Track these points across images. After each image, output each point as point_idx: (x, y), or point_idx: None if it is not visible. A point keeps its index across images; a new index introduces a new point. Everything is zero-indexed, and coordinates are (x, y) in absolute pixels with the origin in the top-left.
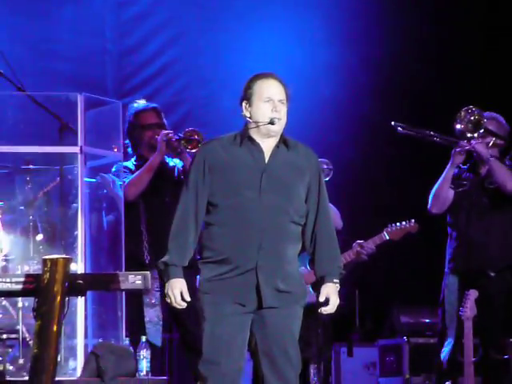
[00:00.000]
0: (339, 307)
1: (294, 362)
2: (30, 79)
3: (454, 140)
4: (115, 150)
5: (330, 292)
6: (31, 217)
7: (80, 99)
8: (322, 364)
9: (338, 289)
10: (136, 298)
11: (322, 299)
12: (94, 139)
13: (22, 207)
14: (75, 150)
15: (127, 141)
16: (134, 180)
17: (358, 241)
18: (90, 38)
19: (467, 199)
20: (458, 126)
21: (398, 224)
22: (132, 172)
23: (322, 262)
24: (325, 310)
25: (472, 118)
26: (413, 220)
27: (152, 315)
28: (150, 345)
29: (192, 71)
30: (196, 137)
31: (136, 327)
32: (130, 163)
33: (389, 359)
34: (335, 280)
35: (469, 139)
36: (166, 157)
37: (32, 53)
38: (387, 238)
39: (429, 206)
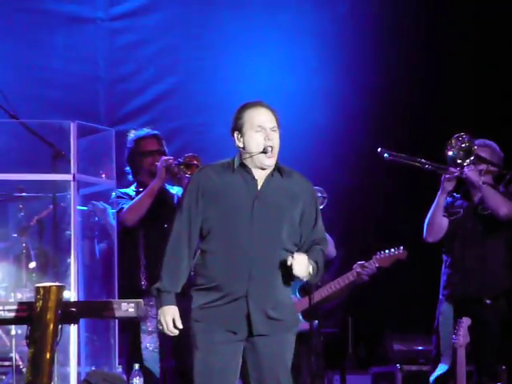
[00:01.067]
0: (332, 334)
1: None
2: (22, 106)
3: (443, 167)
4: (103, 176)
5: (302, 257)
6: (24, 244)
7: (73, 127)
8: None
9: (311, 269)
10: (133, 325)
11: (289, 261)
12: (87, 167)
13: (15, 235)
14: (68, 177)
15: (127, 167)
16: (133, 205)
17: (359, 262)
18: (83, 65)
19: (462, 227)
20: (450, 153)
21: (386, 251)
22: (132, 198)
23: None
24: (291, 262)
25: (463, 145)
26: (401, 247)
27: (149, 342)
28: (147, 372)
29: (185, 99)
30: (195, 162)
31: (132, 354)
32: (130, 190)
33: None
34: (311, 262)
35: (461, 166)
36: (166, 184)
37: (24, 80)
38: (376, 265)
39: (424, 234)
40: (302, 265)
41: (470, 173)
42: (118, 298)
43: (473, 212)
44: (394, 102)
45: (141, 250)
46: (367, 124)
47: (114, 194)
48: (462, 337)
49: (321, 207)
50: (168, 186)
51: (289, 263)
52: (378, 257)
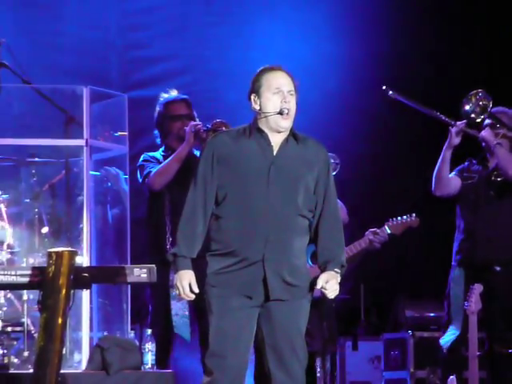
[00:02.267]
0: (344, 301)
1: (300, 357)
2: (34, 72)
3: (449, 120)
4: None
5: (330, 277)
6: (37, 210)
7: (86, 92)
8: (327, 358)
9: (339, 279)
10: (163, 291)
11: (319, 285)
12: (99, 132)
13: (28, 200)
14: (81, 142)
15: (156, 131)
16: (161, 170)
17: (371, 229)
18: (95, 31)
19: (474, 192)
20: (467, 107)
21: (398, 218)
22: (159, 162)
23: (324, 252)
24: (326, 294)
25: (480, 102)
26: (414, 214)
27: (178, 308)
28: (173, 337)
29: (197, 65)
30: (224, 128)
31: (161, 320)
32: (158, 153)
33: (393, 353)
34: (336, 269)
35: (475, 122)
36: (194, 149)
37: (36, 46)
38: (388, 231)
39: (432, 188)
40: (334, 291)
41: (486, 133)
42: (145, 263)
43: (486, 178)
44: (407, 69)
45: (167, 215)
46: (379, 91)
47: (141, 157)
48: (474, 303)
49: (334, 173)
50: (196, 152)
51: (319, 287)
52: (389, 224)
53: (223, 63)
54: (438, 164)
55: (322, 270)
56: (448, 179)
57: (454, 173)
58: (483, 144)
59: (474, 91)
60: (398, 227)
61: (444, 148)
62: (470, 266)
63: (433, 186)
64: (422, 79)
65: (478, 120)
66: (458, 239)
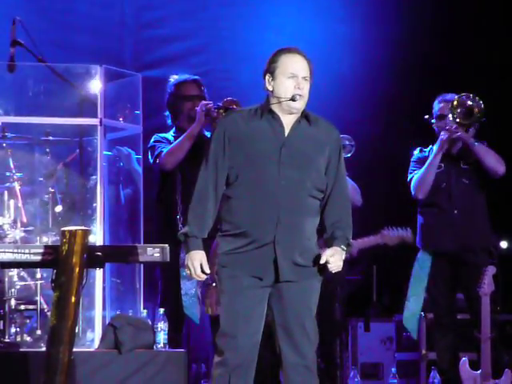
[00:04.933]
0: (357, 282)
1: (311, 337)
2: (48, 50)
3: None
4: (121, 119)
5: (335, 252)
6: (50, 188)
7: (100, 71)
8: (339, 339)
9: (344, 256)
10: (173, 271)
11: (323, 260)
12: (113, 111)
13: (42, 179)
14: (95, 121)
15: (167, 112)
16: (172, 149)
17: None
18: (108, 10)
19: (445, 180)
20: (450, 115)
21: (394, 229)
22: (170, 143)
23: (332, 229)
24: (330, 268)
25: (467, 103)
26: (409, 229)
27: (188, 287)
28: (184, 316)
29: (211, 45)
30: (235, 106)
31: (172, 299)
32: (169, 134)
33: (406, 334)
34: (342, 246)
35: (460, 124)
36: (204, 130)
37: (49, 24)
38: (381, 241)
39: (413, 193)
40: (337, 265)
41: (462, 134)
42: (156, 243)
43: (455, 166)
44: (420, 51)
45: (178, 195)
46: (393, 72)
47: (152, 138)
48: (487, 285)
49: (348, 155)
50: (207, 132)
51: (323, 261)
52: (385, 233)
53: (237, 44)
54: (426, 169)
55: (328, 246)
56: (431, 181)
57: (417, 168)
58: (460, 141)
59: (458, 95)
60: (391, 239)
61: (435, 153)
62: (440, 253)
63: (414, 190)
64: (435, 63)
65: (465, 123)
66: (426, 224)
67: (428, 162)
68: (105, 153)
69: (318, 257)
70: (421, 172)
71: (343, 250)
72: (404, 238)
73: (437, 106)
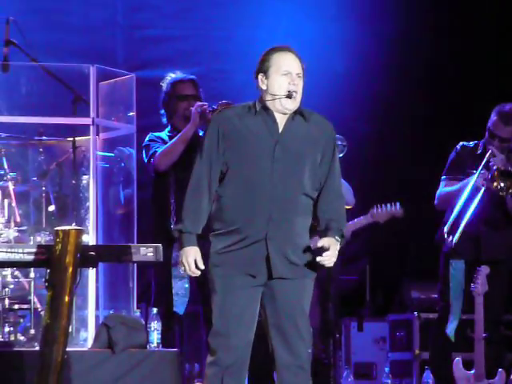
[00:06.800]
0: (350, 281)
1: (304, 336)
2: (41, 50)
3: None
4: (114, 120)
5: (331, 243)
6: (44, 188)
7: (92, 71)
8: (332, 338)
9: (338, 247)
10: (165, 270)
11: (319, 244)
12: (108, 111)
13: (35, 178)
14: (87, 121)
15: (162, 110)
16: (166, 150)
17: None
18: (101, 10)
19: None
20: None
21: (383, 206)
22: (165, 142)
23: (325, 220)
24: (321, 260)
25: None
26: (398, 203)
27: (179, 287)
28: (175, 317)
29: (204, 45)
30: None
31: (164, 299)
32: (164, 133)
33: (399, 334)
34: (337, 237)
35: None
36: (199, 130)
37: (42, 24)
38: (371, 219)
39: (437, 205)
40: (333, 254)
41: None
42: (150, 243)
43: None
44: (414, 49)
45: (172, 196)
46: (386, 71)
47: (147, 137)
48: (481, 285)
49: (341, 155)
50: (201, 133)
51: (320, 244)
52: (374, 211)
53: (230, 44)
54: (456, 190)
55: (322, 237)
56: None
57: (448, 178)
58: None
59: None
60: (381, 215)
61: (468, 182)
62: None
63: (440, 203)
64: (431, 62)
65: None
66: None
67: (462, 186)
68: (106, 154)
69: (312, 253)
70: (451, 192)
71: (337, 240)
72: (394, 214)
73: (491, 117)
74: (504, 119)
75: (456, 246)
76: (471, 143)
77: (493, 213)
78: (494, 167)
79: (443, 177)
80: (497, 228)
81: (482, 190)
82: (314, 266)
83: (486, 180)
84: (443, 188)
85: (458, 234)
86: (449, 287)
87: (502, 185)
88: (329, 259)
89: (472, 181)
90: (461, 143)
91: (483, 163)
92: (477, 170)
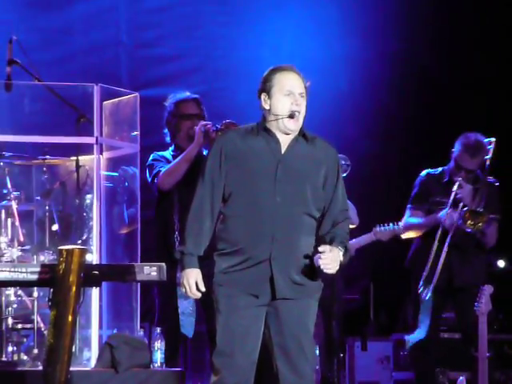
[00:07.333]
0: (354, 301)
1: (308, 356)
2: (45, 70)
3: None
4: (117, 139)
5: (332, 248)
6: (47, 207)
7: (96, 90)
8: (336, 357)
9: (341, 258)
10: (170, 290)
11: (320, 249)
12: (112, 130)
13: (39, 197)
14: (91, 140)
15: (166, 130)
16: (170, 170)
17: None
18: (105, 29)
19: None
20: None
21: (385, 225)
22: (169, 162)
23: (329, 234)
24: (322, 263)
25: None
26: (400, 223)
27: (185, 306)
28: (181, 335)
29: (207, 64)
30: (233, 128)
31: (169, 318)
32: (168, 152)
33: (403, 353)
34: (340, 248)
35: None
36: (203, 149)
37: (46, 44)
38: (374, 238)
39: (403, 234)
40: (332, 264)
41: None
42: (153, 262)
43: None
44: (418, 67)
45: (175, 215)
46: (391, 89)
47: (151, 156)
48: (484, 304)
49: (344, 175)
50: (205, 152)
51: (321, 249)
52: (377, 230)
53: (233, 62)
54: (420, 224)
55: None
56: None
57: (414, 207)
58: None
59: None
60: (384, 234)
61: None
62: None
63: (407, 233)
64: (435, 80)
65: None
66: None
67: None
68: (110, 174)
69: (316, 273)
70: (419, 223)
71: (340, 250)
72: (396, 233)
73: (456, 148)
74: (470, 152)
75: (428, 274)
76: (437, 170)
77: (464, 241)
78: (464, 209)
79: (408, 205)
80: (467, 255)
81: (451, 233)
82: (318, 285)
83: (454, 223)
84: (408, 218)
85: (430, 293)
86: (419, 310)
87: (472, 223)
88: (329, 263)
89: (440, 219)
90: (425, 171)
91: (451, 199)
92: (443, 198)
